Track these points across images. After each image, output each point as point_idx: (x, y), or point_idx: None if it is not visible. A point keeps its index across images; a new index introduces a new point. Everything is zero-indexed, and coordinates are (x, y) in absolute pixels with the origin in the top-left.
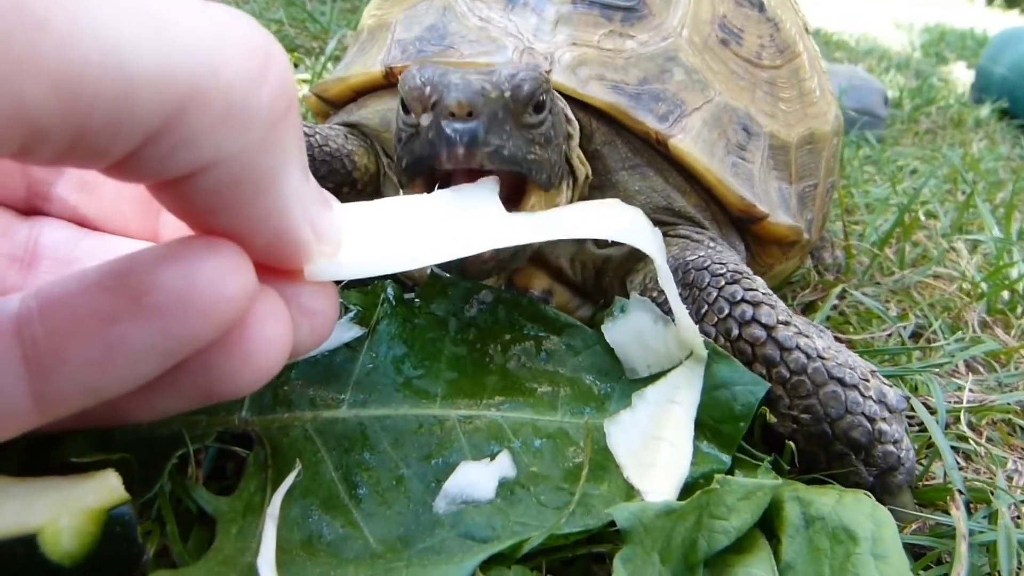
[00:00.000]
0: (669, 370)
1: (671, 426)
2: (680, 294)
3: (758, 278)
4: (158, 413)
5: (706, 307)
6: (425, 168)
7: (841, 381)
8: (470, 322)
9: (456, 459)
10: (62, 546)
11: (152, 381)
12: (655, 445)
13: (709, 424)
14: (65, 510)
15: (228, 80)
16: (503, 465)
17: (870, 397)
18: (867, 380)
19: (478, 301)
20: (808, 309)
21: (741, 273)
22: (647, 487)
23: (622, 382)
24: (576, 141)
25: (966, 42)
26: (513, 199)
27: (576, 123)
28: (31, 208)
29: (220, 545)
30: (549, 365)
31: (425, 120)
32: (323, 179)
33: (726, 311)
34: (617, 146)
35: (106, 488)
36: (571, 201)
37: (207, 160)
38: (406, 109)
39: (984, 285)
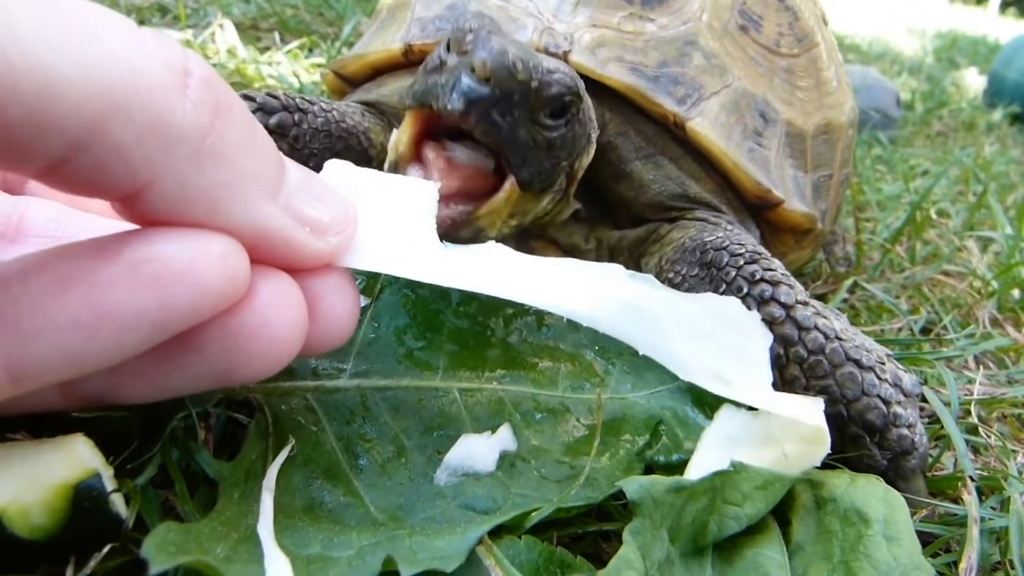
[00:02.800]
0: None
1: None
2: (697, 274)
3: (776, 260)
4: (168, 393)
5: (724, 286)
6: (427, 103)
7: (858, 363)
8: (473, 295)
9: (457, 432)
10: (32, 521)
11: (165, 360)
12: None
13: (711, 401)
14: (30, 487)
15: (148, 90)
16: (504, 438)
17: (886, 380)
18: (883, 363)
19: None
20: (819, 301)
21: (760, 254)
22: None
23: (623, 359)
24: (585, 162)
25: (978, 48)
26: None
27: (594, 147)
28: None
29: (222, 507)
30: (550, 340)
31: (452, 61)
32: (340, 155)
33: (745, 290)
34: (630, 136)
35: (74, 460)
36: (548, 215)
37: (143, 175)
38: (448, 46)
39: (995, 283)
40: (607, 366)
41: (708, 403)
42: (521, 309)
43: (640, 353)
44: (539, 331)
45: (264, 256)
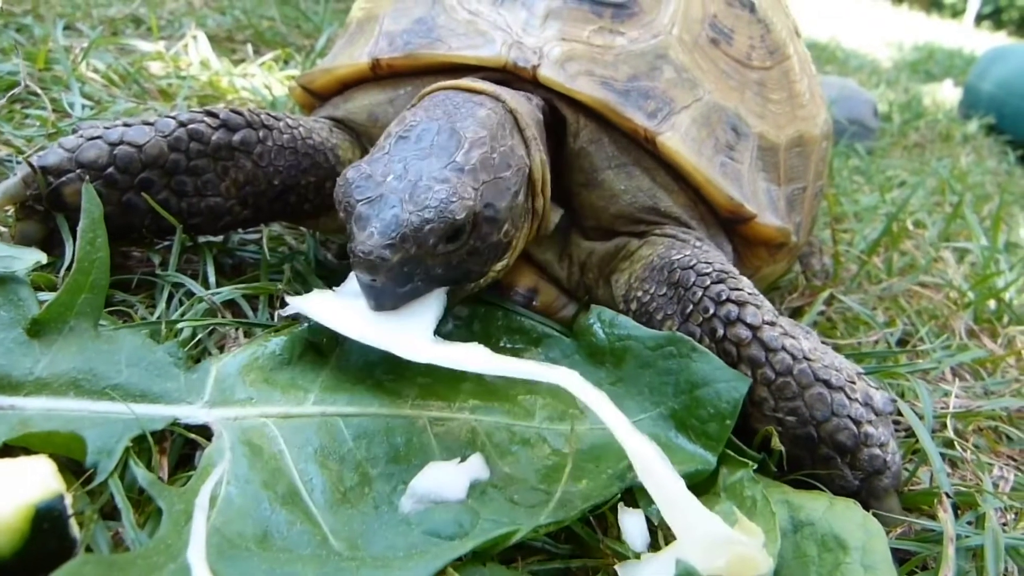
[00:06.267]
0: None
1: None
2: (665, 293)
3: (744, 278)
4: None
5: (691, 306)
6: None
7: (827, 383)
8: (446, 336)
9: (425, 462)
10: None
11: None
12: None
13: (694, 425)
14: None
15: None
16: (475, 466)
17: (856, 400)
18: (853, 382)
19: (453, 317)
20: (796, 314)
21: (727, 273)
22: None
23: (602, 389)
24: (541, 185)
25: (954, 60)
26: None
27: (544, 162)
28: None
29: (165, 535)
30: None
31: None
32: (306, 172)
33: (711, 311)
34: (604, 144)
35: (35, 480)
36: (527, 239)
37: None
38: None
39: (971, 294)
40: None
41: (691, 427)
42: (496, 347)
43: (622, 383)
44: None
45: None
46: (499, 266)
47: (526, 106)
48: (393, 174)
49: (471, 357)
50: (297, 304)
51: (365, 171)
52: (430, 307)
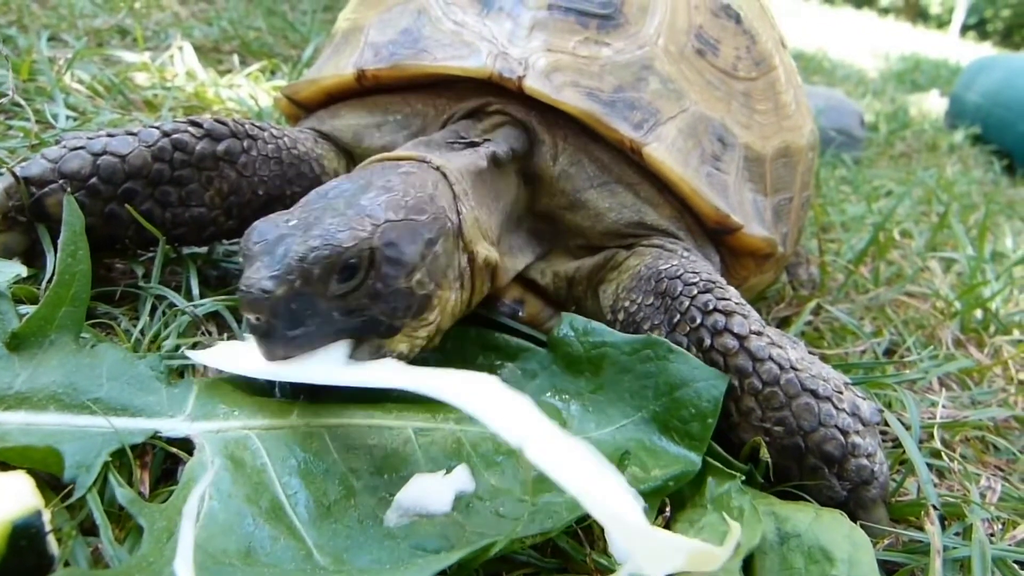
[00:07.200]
0: None
1: None
2: (652, 303)
3: (731, 288)
4: None
5: (678, 316)
6: None
7: (814, 393)
8: (420, 355)
9: (411, 473)
10: None
11: None
12: None
13: (677, 426)
14: None
15: None
16: (461, 478)
17: (843, 410)
18: (840, 392)
19: None
20: (783, 324)
21: (714, 283)
22: None
23: (583, 398)
24: (476, 242)
25: (940, 71)
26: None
27: (476, 220)
28: None
29: (146, 552)
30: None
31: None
32: (291, 181)
33: (698, 320)
34: (584, 165)
35: (12, 496)
36: (469, 299)
37: None
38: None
39: (958, 304)
40: (568, 407)
41: (674, 429)
42: (474, 364)
43: (602, 390)
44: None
45: None
46: (422, 330)
47: (463, 160)
48: (296, 219)
49: (387, 374)
50: (200, 358)
51: (272, 220)
52: (337, 347)
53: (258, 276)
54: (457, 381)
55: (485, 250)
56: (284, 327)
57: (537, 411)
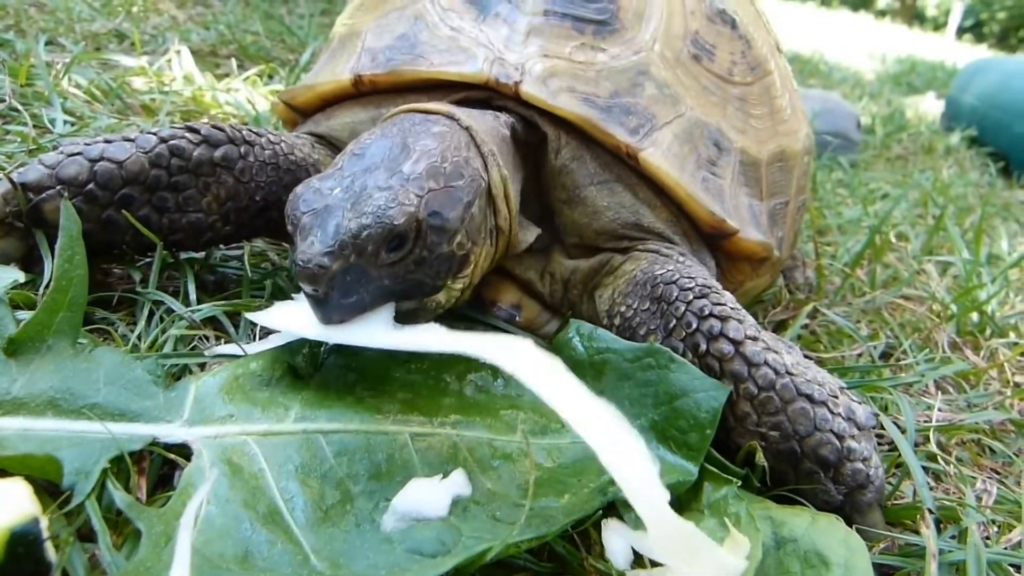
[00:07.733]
0: None
1: None
2: (648, 308)
3: (727, 293)
4: None
5: (674, 321)
6: None
7: (810, 398)
8: (424, 355)
9: (407, 478)
10: None
11: None
12: None
13: (675, 436)
14: None
15: None
16: (457, 482)
17: (839, 414)
18: (836, 397)
19: None
20: (779, 327)
21: (710, 287)
22: None
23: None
24: (504, 201)
25: (936, 73)
26: None
27: (505, 178)
28: None
29: (143, 558)
30: (508, 391)
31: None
32: (288, 188)
33: (694, 325)
34: (586, 161)
35: (10, 503)
36: (493, 257)
37: None
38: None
39: (954, 307)
40: None
41: (672, 438)
42: (475, 364)
43: (602, 396)
44: (495, 382)
45: None
46: (459, 283)
47: (488, 123)
48: (340, 187)
49: (430, 337)
50: (260, 319)
51: (314, 186)
52: (385, 309)
53: (313, 251)
54: (495, 343)
55: (507, 209)
56: (339, 296)
57: (570, 373)
